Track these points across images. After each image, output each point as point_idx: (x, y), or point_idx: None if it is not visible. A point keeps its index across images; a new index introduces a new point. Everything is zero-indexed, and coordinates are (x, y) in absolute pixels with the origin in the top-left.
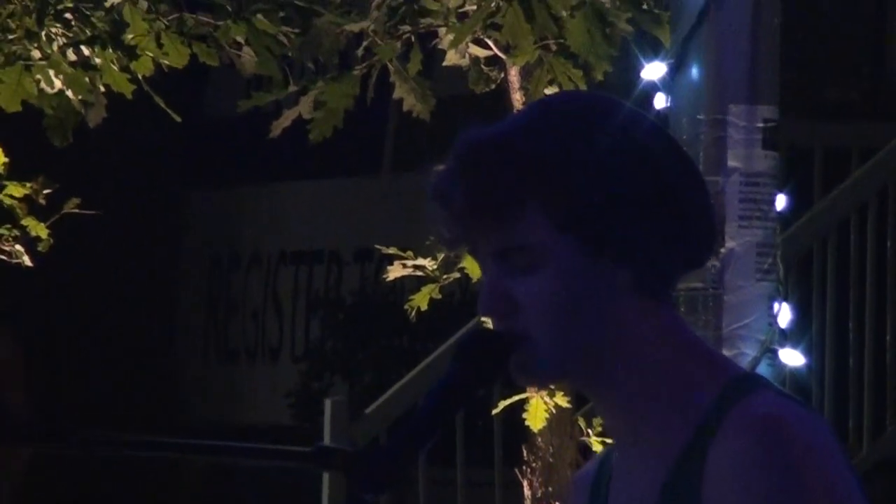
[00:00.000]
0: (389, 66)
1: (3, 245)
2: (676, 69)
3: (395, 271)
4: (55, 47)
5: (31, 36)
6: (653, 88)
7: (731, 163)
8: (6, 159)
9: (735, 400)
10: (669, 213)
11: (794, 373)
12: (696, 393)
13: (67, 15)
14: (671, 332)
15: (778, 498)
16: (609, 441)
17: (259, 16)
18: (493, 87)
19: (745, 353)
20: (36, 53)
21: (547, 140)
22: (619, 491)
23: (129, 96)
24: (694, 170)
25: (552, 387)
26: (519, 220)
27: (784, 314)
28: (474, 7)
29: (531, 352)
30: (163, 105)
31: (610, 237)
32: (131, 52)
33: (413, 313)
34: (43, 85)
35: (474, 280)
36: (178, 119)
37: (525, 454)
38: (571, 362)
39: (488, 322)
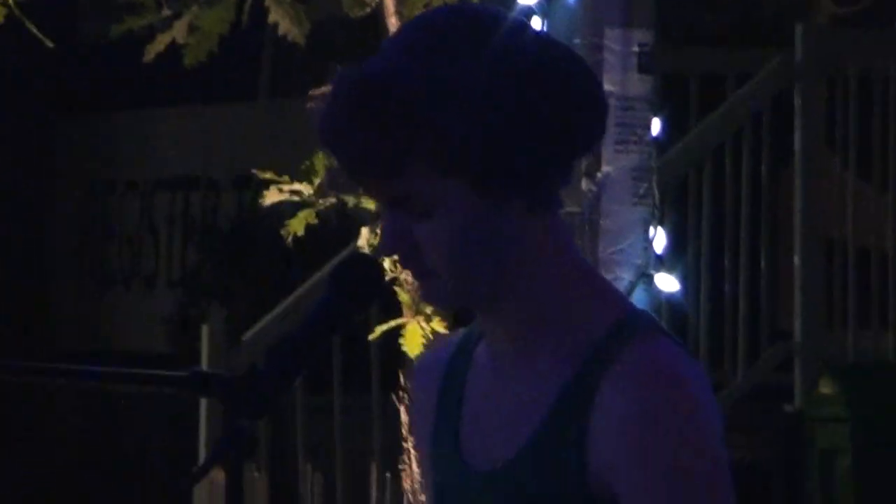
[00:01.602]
0: None
1: None
2: None
3: (271, 196)
4: None
5: None
6: (529, 12)
7: (607, 87)
8: None
9: (628, 338)
10: (555, 129)
11: (670, 298)
12: (589, 321)
13: None
14: (564, 253)
15: (660, 441)
16: None
17: None
18: (368, 11)
19: (620, 278)
20: None
21: (417, 89)
22: (485, 395)
23: (1, 21)
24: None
25: (429, 312)
26: (405, 169)
27: (659, 239)
28: None
29: (437, 282)
30: (34, 30)
31: (494, 177)
32: None
33: (289, 238)
34: None
35: (349, 205)
36: (51, 44)
37: (402, 379)
38: (472, 292)
39: (365, 246)
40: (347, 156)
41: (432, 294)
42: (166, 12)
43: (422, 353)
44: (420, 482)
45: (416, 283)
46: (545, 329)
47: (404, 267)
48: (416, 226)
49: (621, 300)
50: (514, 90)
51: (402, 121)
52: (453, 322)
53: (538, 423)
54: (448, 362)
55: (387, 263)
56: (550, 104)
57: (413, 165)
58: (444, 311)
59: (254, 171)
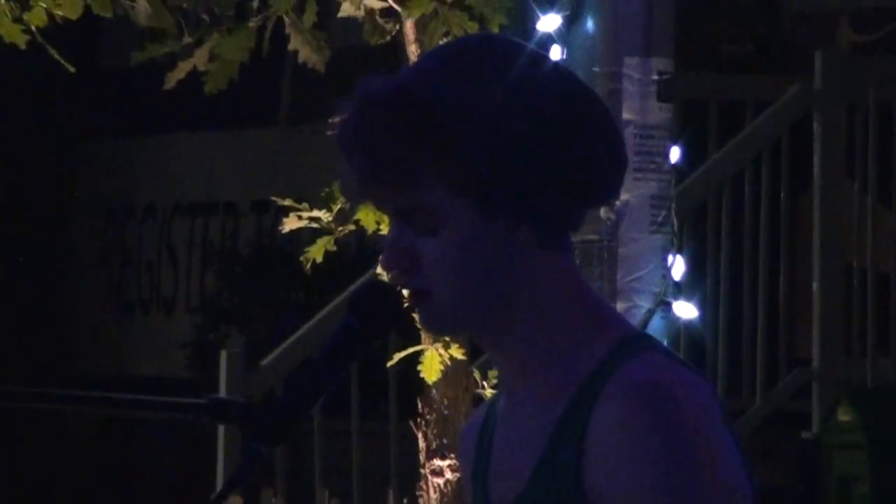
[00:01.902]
0: (285, 17)
1: None
2: (572, 21)
3: (290, 223)
4: None
5: None
6: (548, 40)
7: (626, 115)
8: None
9: (621, 361)
10: (569, 163)
11: (688, 325)
12: (587, 347)
13: None
14: (567, 283)
15: (654, 463)
16: None
17: None
18: (388, 38)
19: (639, 306)
20: None
21: (437, 104)
22: (504, 438)
23: (23, 47)
24: (598, 105)
25: (447, 339)
26: (416, 183)
27: (678, 266)
28: None
29: (435, 305)
30: (56, 56)
31: (504, 201)
32: (24, 3)
33: (308, 265)
34: None
35: (369, 232)
36: (72, 70)
37: (420, 406)
38: (474, 318)
39: (383, 274)
40: (362, 161)
41: (428, 319)
42: (187, 40)
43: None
44: None
45: (414, 308)
46: (549, 362)
47: (401, 284)
48: (421, 241)
49: (623, 326)
50: (529, 119)
51: (419, 131)
52: (471, 349)
53: (539, 457)
54: (483, 421)
55: (405, 290)
56: (563, 137)
57: (424, 178)
58: (446, 338)
59: (273, 197)
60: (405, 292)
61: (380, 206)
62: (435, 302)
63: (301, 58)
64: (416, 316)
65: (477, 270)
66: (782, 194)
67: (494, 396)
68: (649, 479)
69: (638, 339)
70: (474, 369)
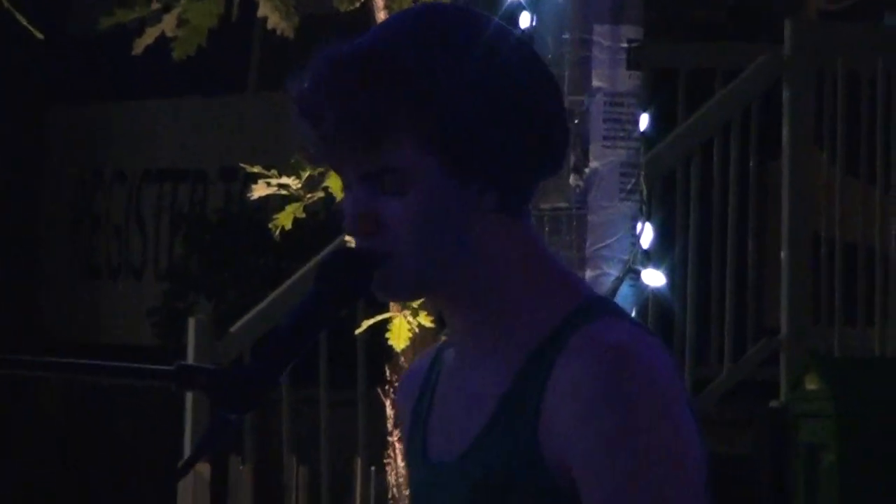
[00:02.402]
0: None
1: None
2: None
3: (259, 190)
4: None
5: None
6: (517, 7)
7: (596, 83)
8: None
9: (583, 322)
10: (532, 132)
11: (657, 293)
12: (546, 309)
13: None
14: (530, 251)
15: (611, 419)
16: None
17: None
18: (357, 5)
19: (608, 273)
20: None
21: (410, 59)
22: (449, 393)
23: None
24: (553, 83)
25: (415, 306)
26: (385, 141)
27: (647, 234)
28: None
29: (393, 269)
30: (24, 22)
31: (473, 159)
32: None
33: (277, 232)
34: None
35: (338, 199)
36: (41, 36)
37: (388, 374)
38: (432, 279)
39: (352, 242)
40: (332, 122)
41: (385, 282)
42: (156, 5)
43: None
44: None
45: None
46: (504, 322)
47: (362, 247)
48: (385, 202)
49: (583, 290)
50: (498, 86)
51: (391, 89)
52: (439, 316)
53: (492, 411)
54: (425, 372)
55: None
56: (529, 107)
57: (395, 137)
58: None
59: (241, 164)
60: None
61: (340, 169)
62: (396, 265)
63: (270, 24)
64: (373, 283)
65: (442, 232)
66: (751, 163)
67: (439, 346)
68: (611, 437)
69: (601, 303)
70: (443, 336)
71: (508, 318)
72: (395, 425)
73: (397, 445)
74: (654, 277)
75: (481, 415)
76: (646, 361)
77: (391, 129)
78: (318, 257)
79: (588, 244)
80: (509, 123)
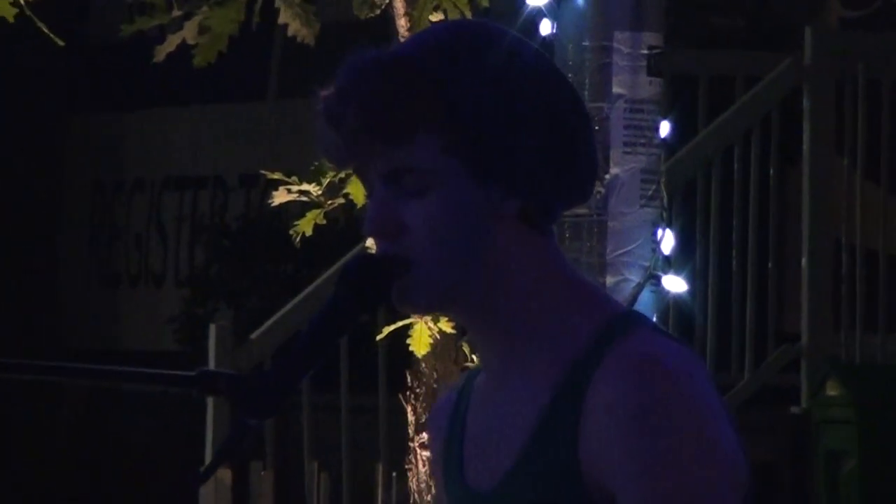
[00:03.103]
0: None
1: None
2: None
3: (279, 196)
4: None
5: None
6: (538, 15)
7: (616, 89)
8: None
9: (614, 338)
10: (556, 143)
11: (677, 300)
12: (574, 328)
13: None
14: (552, 263)
15: (650, 436)
16: None
17: None
18: (377, 12)
19: (628, 280)
20: None
21: (438, 62)
22: (483, 417)
23: (11, 20)
24: (578, 101)
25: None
26: (409, 141)
27: (667, 241)
28: None
29: (413, 277)
30: (45, 29)
31: (497, 163)
32: None
33: (297, 239)
34: None
35: (359, 205)
36: (61, 43)
37: (409, 380)
38: (452, 288)
39: (373, 247)
40: (351, 122)
41: (406, 292)
42: (177, 13)
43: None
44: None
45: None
46: (533, 341)
47: (382, 250)
48: (407, 204)
49: (611, 304)
50: (520, 91)
51: (419, 90)
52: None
53: (530, 434)
54: (456, 398)
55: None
56: (553, 119)
57: (421, 136)
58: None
59: (262, 171)
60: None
61: (364, 171)
62: (416, 273)
63: (291, 31)
64: (392, 294)
65: (463, 237)
66: (771, 170)
67: (468, 375)
68: (649, 456)
69: (628, 316)
70: (463, 343)
71: (538, 338)
72: (417, 431)
73: (418, 451)
74: (674, 283)
75: (518, 439)
76: (682, 375)
77: (410, 128)
78: (339, 264)
79: (609, 250)
80: (530, 131)
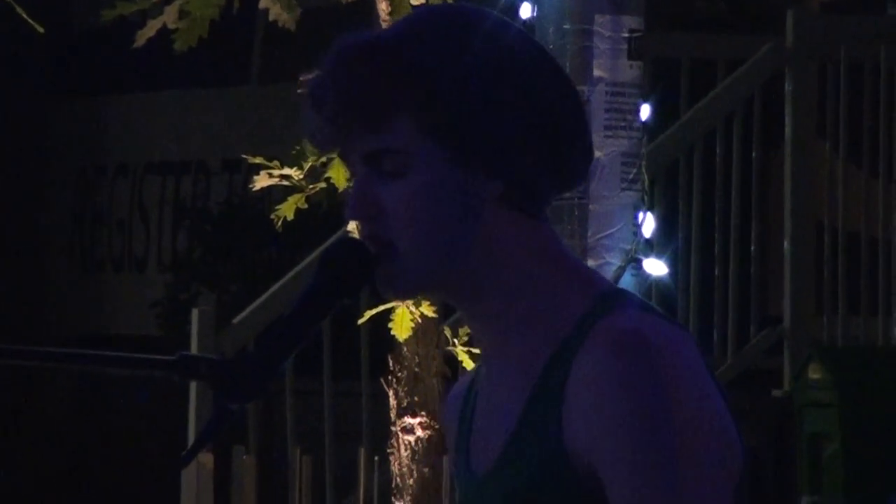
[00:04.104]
0: None
1: None
2: None
3: (261, 181)
4: None
5: None
6: None
7: (597, 73)
8: None
9: (601, 314)
10: (540, 124)
11: (659, 283)
12: (563, 307)
13: None
14: (541, 246)
15: (635, 411)
16: (475, 351)
17: None
18: None
19: (609, 263)
20: None
21: (417, 47)
22: (486, 402)
23: None
24: (565, 82)
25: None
26: (388, 124)
27: (648, 224)
28: None
29: (396, 261)
30: (25, 16)
31: (475, 147)
32: None
33: (279, 223)
34: None
35: (340, 189)
36: (41, 30)
37: (391, 364)
38: (436, 272)
39: (355, 231)
40: (339, 102)
41: (388, 276)
42: None
43: (440, 381)
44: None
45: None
46: (525, 323)
47: (364, 233)
48: (386, 187)
49: (601, 283)
50: (500, 71)
51: (399, 74)
52: (442, 307)
53: (518, 415)
54: (465, 390)
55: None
56: (535, 100)
57: (400, 120)
58: (402, 300)
59: (244, 155)
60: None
61: (348, 155)
62: (398, 256)
63: (271, 16)
64: (376, 280)
65: (441, 218)
66: (754, 153)
67: (479, 363)
68: (630, 427)
69: (616, 294)
70: (445, 327)
71: (530, 320)
72: (399, 416)
73: (400, 435)
74: (655, 267)
75: (509, 421)
76: (665, 348)
77: (389, 110)
78: (321, 248)
79: (590, 233)
80: (510, 113)
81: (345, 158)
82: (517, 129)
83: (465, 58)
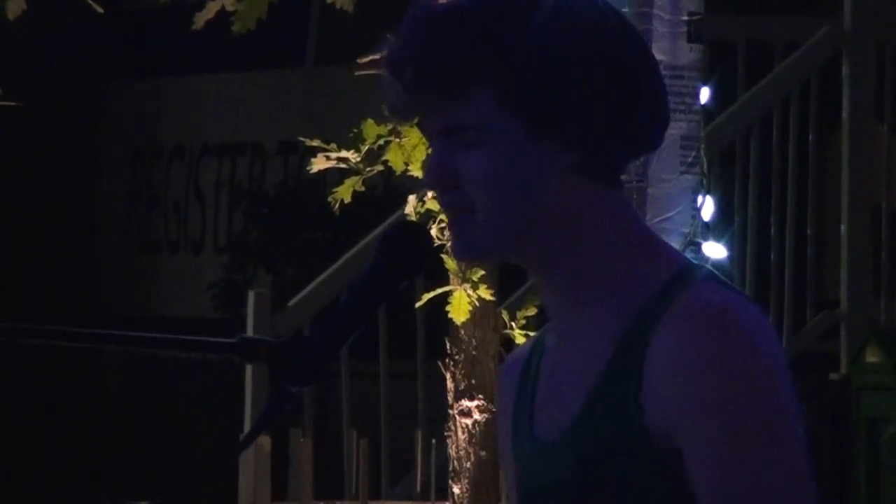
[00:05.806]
0: None
1: None
2: None
3: (318, 163)
4: None
5: None
6: None
7: (656, 56)
8: None
9: (681, 289)
10: (614, 91)
11: (717, 266)
12: (640, 277)
13: None
14: (617, 215)
15: (718, 383)
16: (532, 334)
17: None
18: None
19: None
20: None
21: (490, 18)
22: (553, 371)
23: None
24: (640, 45)
25: (475, 279)
26: (466, 97)
27: (707, 207)
28: None
29: (473, 222)
30: None
31: (553, 119)
32: None
33: (336, 205)
34: None
35: (398, 172)
36: (100, 10)
37: (448, 347)
38: (512, 239)
39: (413, 215)
40: (417, 72)
41: (464, 240)
42: None
43: (498, 365)
44: (503, 480)
45: (451, 235)
46: (600, 291)
47: (442, 203)
48: (462, 155)
49: (678, 256)
50: (579, 44)
51: (476, 45)
52: (499, 289)
53: (595, 383)
54: (527, 356)
55: (434, 231)
56: (613, 71)
57: (476, 91)
58: (480, 266)
59: (300, 138)
60: (434, 232)
61: (423, 123)
62: (476, 221)
63: None
64: (450, 247)
65: (518, 188)
66: (810, 136)
67: (542, 331)
68: (714, 402)
69: (700, 270)
70: (502, 310)
71: (604, 288)
72: (456, 398)
73: (458, 418)
74: (714, 250)
75: (584, 389)
76: (748, 325)
77: (468, 82)
78: (378, 230)
79: (648, 217)
80: (584, 82)
81: (422, 127)
82: (592, 99)
83: (538, 27)
